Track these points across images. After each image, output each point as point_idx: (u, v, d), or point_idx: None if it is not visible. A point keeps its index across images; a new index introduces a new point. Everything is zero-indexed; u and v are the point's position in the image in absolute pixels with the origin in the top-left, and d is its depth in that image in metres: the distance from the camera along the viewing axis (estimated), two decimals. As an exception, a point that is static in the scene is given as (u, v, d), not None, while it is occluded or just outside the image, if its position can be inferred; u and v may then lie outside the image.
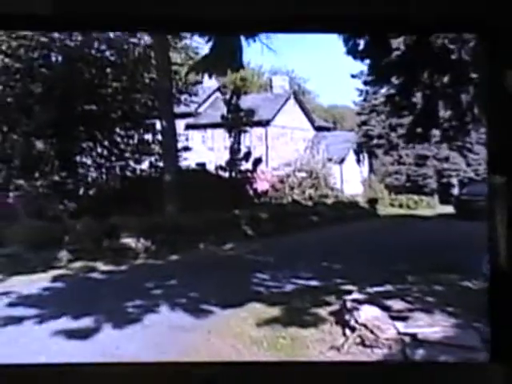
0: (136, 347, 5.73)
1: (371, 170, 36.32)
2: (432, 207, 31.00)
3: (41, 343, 5.91)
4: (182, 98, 19.61)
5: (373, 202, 25.63)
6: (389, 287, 6.60)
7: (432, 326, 4.76)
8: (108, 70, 17.98)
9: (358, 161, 37.32)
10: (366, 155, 37.47)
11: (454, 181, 35.15)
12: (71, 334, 6.14)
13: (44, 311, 7.17)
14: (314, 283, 8.54)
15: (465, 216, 20.46)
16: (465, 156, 35.04)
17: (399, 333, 4.83)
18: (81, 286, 9.34)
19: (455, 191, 34.56)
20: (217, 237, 13.75)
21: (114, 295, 8.11)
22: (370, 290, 6.58)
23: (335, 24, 1.49)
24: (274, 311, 6.90)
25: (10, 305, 7.72)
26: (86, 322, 6.59)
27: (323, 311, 6.69)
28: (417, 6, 1.38)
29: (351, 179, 33.82)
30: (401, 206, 31.04)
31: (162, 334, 6.16)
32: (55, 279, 9.49)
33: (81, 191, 17.35)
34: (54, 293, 8.54)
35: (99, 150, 18.44)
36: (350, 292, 6.95)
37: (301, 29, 1.55)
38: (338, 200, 25.86)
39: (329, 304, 7.02)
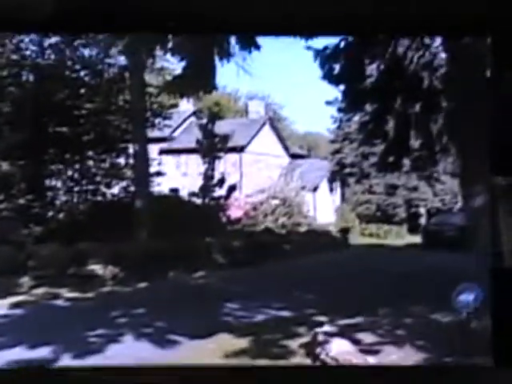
0: (96, 380, 5.44)
1: (343, 198, 36.49)
2: (401, 237, 31.18)
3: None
4: (156, 121, 19.44)
5: (344, 231, 25.64)
6: (359, 319, 6.47)
7: (404, 361, 4.62)
8: (82, 90, 17.72)
9: (331, 189, 37.47)
10: (338, 184, 37.68)
11: (422, 210, 35.53)
12: (26, 364, 5.81)
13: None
14: (284, 314, 8.38)
15: (432, 246, 20.52)
16: (432, 186, 35.51)
17: (371, 368, 4.67)
18: (42, 313, 8.98)
19: (423, 221, 34.95)
20: (187, 264, 13.47)
21: (76, 324, 7.80)
22: (341, 322, 6.44)
23: (341, 25, 1.51)
24: (243, 343, 6.70)
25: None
26: (44, 351, 6.27)
27: (293, 343, 6.51)
28: (417, 7, 1.39)
29: (324, 208, 33.85)
30: (371, 235, 31.15)
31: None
32: (14, 306, 9.11)
33: (48, 215, 16.87)
34: (12, 320, 8.17)
35: (69, 173, 18.05)
36: (321, 323, 6.81)
37: (298, 31, 1.55)
38: (310, 228, 25.80)
39: (299, 335, 6.85)
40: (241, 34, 8.08)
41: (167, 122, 21.15)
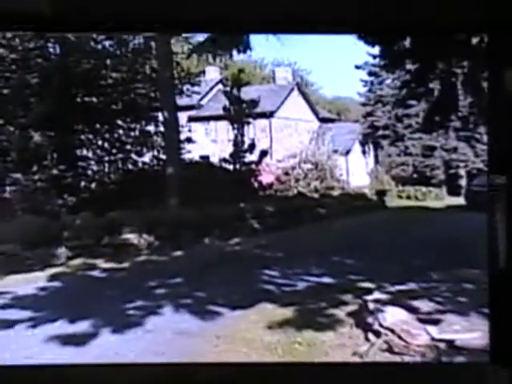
0: (137, 354, 5.20)
1: (377, 161, 35.72)
2: (441, 199, 30.43)
3: (34, 349, 5.40)
4: (184, 88, 19.00)
5: (381, 193, 25.00)
6: (412, 285, 6.04)
7: (471, 331, 4.22)
8: (107, 60, 17.37)
9: (364, 152, 36.74)
10: (371, 146, 36.87)
11: (462, 172, 34.52)
12: (67, 340, 5.62)
13: (39, 313, 6.65)
14: (327, 280, 7.99)
15: (476, 208, 19.89)
16: (473, 146, 34.41)
17: (433, 339, 4.28)
18: (79, 285, 8.82)
19: (463, 182, 34.11)
20: (222, 231, 13.22)
21: (114, 296, 7.59)
22: (391, 288, 6.03)
23: (343, 26, 1.50)
24: (287, 313, 6.36)
25: (4, 306, 7.20)
26: (84, 325, 6.06)
27: (341, 312, 6.14)
28: (416, 9, 1.41)
29: (357, 171, 33.26)
30: (408, 197, 30.46)
31: (166, 340, 5.63)
32: (52, 278, 8.97)
33: (81, 185, 16.76)
34: (51, 293, 8.02)
35: (99, 142, 17.85)
36: (368, 291, 6.41)
37: (304, 30, 1.57)
38: (344, 192, 25.29)
39: (346, 304, 6.48)
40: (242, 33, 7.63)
41: (195, 88, 20.71)
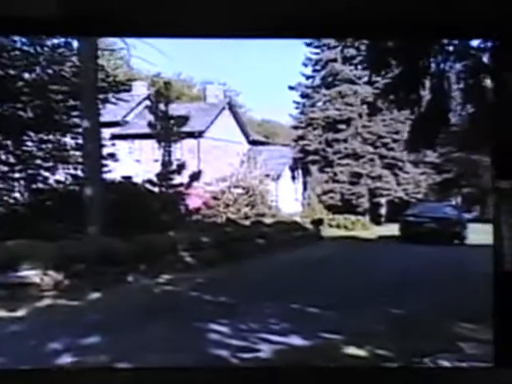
0: None
1: (305, 187, 34.81)
2: (367, 228, 29.97)
3: None
4: (109, 99, 16.70)
5: (317, 222, 23.70)
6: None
7: None
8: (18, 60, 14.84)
9: (293, 178, 35.79)
10: (300, 172, 35.98)
11: (383, 200, 34.29)
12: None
13: None
14: (296, 341, 6.09)
15: (411, 239, 19.21)
16: (396, 174, 34.30)
17: None
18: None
19: (383, 211, 34.14)
20: (150, 266, 11.06)
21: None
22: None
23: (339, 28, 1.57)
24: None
25: None
26: None
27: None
28: (421, 10, 1.45)
29: (286, 197, 32.22)
30: (338, 226, 29.65)
31: None
32: None
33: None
34: None
35: (3, 156, 15.11)
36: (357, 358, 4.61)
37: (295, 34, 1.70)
38: (278, 220, 23.87)
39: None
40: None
41: (120, 104, 18.60)
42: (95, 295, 8.98)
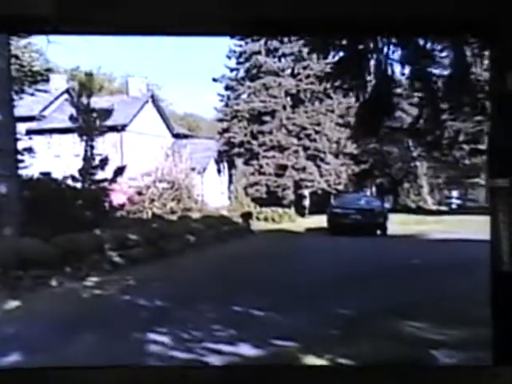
0: None
1: (231, 180, 34.59)
2: (293, 220, 30.18)
3: None
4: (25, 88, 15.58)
5: (247, 216, 23.46)
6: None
7: None
8: None
9: (219, 171, 35.46)
10: (225, 165, 35.71)
11: (306, 192, 34.69)
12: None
13: None
14: (246, 350, 5.59)
15: (338, 231, 19.44)
16: (318, 166, 34.78)
17: None
18: None
19: (307, 203, 34.57)
20: (74, 268, 10.36)
21: None
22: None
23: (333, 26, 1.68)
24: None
25: None
26: None
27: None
28: (418, 8, 1.47)
29: (212, 190, 31.86)
30: (266, 219, 29.63)
31: None
32: None
33: None
34: None
35: None
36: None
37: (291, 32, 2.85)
38: (205, 214, 23.49)
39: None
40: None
41: (36, 99, 17.55)
42: (13, 303, 8.19)
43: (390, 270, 10.03)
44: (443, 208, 33.72)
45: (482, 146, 24.07)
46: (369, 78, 9.86)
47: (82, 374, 1.60)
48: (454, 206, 35.15)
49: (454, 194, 37.21)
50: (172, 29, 1.57)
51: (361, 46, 9.09)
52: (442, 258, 11.44)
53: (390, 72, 9.43)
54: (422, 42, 9.49)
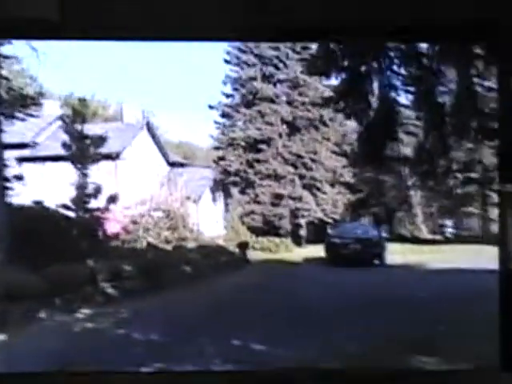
0: None
1: (227, 209, 34.25)
2: (290, 250, 29.82)
3: None
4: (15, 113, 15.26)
5: (243, 246, 23.00)
6: None
7: None
8: None
9: (214, 199, 35.15)
10: (221, 193, 35.42)
11: (303, 221, 34.37)
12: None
13: None
14: None
15: (337, 261, 19.15)
16: (314, 195, 34.55)
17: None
18: None
19: (303, 232, 34.21)
20: (66, 300, 9.85)
21: None
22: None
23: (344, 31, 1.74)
24: None
25: None
26: None
27: None
28: (426, 13, 1.52)
29: (207, 219, 31.48)
30: (262, 249, 29.24)
31: None
32: None
33: None
34: None
35: None
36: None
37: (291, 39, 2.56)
38: (201, 244, 23.10)
39: None
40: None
41: (28, 126, 17.31)
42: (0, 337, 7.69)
43: (393, 303, 9.64)
44: (438, 237, 33.45)
45: (475, 175, 24.00)
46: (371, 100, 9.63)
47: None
48: (448, 235, 34.91)
49: (448, 222, 37.01)
50: (190, 35, 1.58)
51: (363, 68, 8.89)
52: (441, 289, 11.24)
53: (392, 97, 9.23)
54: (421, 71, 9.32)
